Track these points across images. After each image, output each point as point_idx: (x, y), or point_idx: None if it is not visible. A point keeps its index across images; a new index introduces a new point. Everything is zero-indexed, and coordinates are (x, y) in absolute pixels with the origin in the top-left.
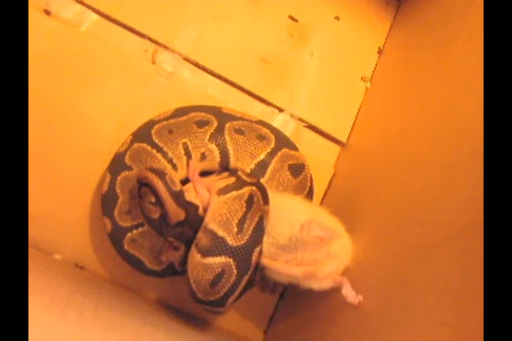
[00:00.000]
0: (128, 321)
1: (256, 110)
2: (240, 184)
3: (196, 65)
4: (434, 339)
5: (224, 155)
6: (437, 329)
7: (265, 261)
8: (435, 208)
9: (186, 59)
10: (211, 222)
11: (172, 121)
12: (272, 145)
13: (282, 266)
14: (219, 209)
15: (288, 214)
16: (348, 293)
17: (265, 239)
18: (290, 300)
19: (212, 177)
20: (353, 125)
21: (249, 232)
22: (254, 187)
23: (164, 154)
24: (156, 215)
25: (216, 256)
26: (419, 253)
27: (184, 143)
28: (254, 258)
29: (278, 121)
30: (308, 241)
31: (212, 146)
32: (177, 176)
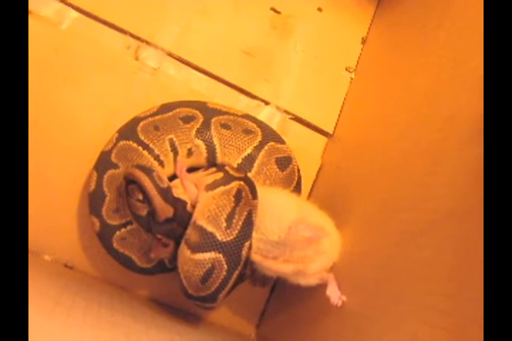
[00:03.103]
0: (119, 319)
1: (242, 104)
2: (228, 179)
3: (180, 60)
4: (425, 325)
5: (211, 150)
6: (427, 315)
7: (255, 257)
8: (421, 194)
9: (170, 54)
10: (200, 218)
11: (157, 117)
12: (259, 139)
13: (272, 263)
14: (207, 204)
15: (277, 211)
16: (332, 293)
17: (254, 234)
18: (281, 294)
19: (200, 173)
20: (339, 115)
21: (238, 227)
22: (242, 182)
23: (150, 151)
24: (144, 212)
25: (206, 251)
26: (406, 240)
27: (170, 140)
28: (244, 252)
29: (264, 114)
30: (296, 239)
31: (199, 142)
32: (164, 173)
